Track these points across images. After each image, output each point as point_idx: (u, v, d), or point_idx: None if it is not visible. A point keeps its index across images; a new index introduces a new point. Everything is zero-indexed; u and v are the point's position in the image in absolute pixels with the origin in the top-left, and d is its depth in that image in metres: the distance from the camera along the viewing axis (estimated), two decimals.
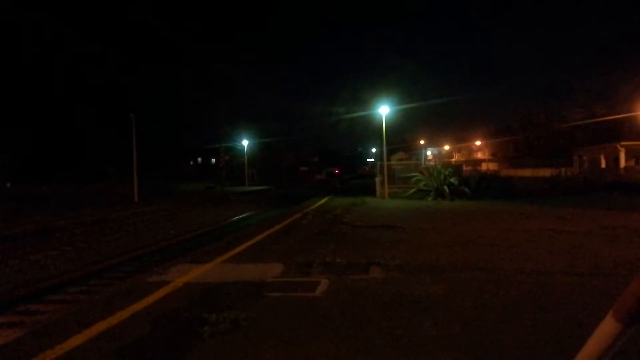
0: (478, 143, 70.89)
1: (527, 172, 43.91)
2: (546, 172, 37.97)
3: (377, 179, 23.56)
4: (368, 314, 4.54)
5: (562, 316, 4.35)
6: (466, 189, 20.81)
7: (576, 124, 47.43)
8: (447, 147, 77.35)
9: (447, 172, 21.75)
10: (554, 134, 50.70)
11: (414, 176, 22.92)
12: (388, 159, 47.79)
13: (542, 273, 6.11)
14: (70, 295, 7.36)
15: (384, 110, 23.52)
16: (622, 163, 37.80)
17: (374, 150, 74.68)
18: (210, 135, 57.30)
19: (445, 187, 20.94)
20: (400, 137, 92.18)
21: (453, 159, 71.68)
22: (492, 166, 61.90)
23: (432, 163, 42.29)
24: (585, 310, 4.48)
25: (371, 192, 24.02)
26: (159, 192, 30.91)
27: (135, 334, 4.04)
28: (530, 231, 10.20)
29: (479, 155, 72.04)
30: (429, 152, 77.99)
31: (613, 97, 45.78)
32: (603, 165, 40.78)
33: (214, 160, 69.16)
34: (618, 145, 37.86)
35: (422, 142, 78.85)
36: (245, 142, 47.19)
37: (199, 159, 76.08)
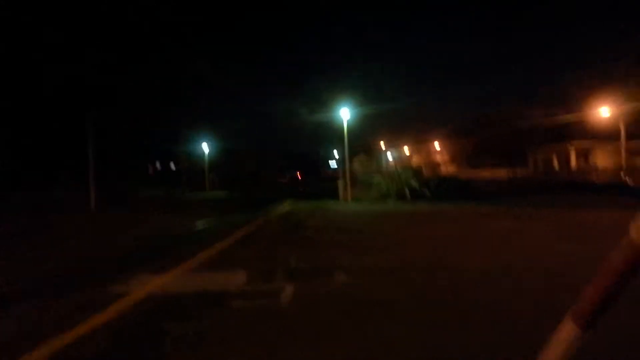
0: (436, 144, 72.37)
1: (485, 173, 45.09)
2: (503, 173, 39.15)
3: (340, 183, 23.68)
4: (333, 318, 4.54)
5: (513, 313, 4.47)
6: (426, 192, 21.19)
7: (530, 124, 49.12)
8: (406, 150, 78.48)
9: (407, 175, 22.10)
10: (509, 135, 52.30)
11: (375, 179, 23.16)
12: (350, 162, 48.06)
13: (506, 274, 6.26)
14: (20, 310, 7.02)
15: (344, 113, 23.69)
16: (573, 163, 39.42)
17: (336, 153, 75.05)
18: (170, 139, 56.08)
19: (406, 190, 21.26)
20: (362, 139, 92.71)
21: (412, 161, 72.82)
22: (451, 168, 63.30)
23: (392, 165, 42.92)
24: (538, 309, 4.62)
25: (334, 195, 24.11)
26: (118, 198, 30.05)
27: (94, 350, 3.89)
28: (491, 231, 10.48)
29: (438, 157, 73.52)
30: (389, 155, 78.89)
31: (566, 99, 47.58)
32: (556, 165, 42.43)
33: (172, 164, 67.82)
34: (569, 145, 39.45)
35: (382, 144, 79.68)
36: (205, 147, 46.54)
37: (158, 164, 74.33)
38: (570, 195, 21.30)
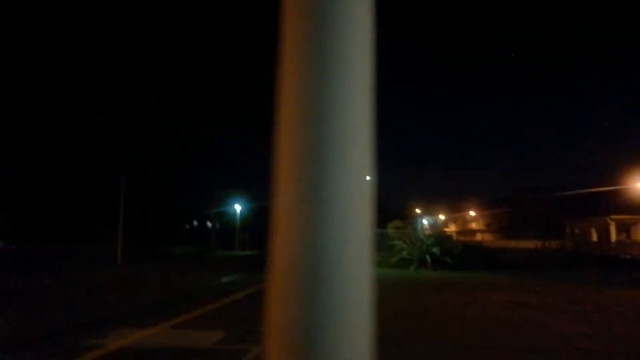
0: (472, 213, 71.14)
1: (522, 244, 43.79)
2: (537, 245, 37.89)
3: None
4: None
5: None
6: (448, 259, 20.75)
7: (567, 195, 47.93)
8: (442, 217, 77.45)
9: (429, 242, 21.78)
10: (547, 206, 51.09)
11: (398, 245, 22.87)
12: (385, 227, 47.73)
13: (481, 347, 6.12)
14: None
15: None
16: (613, 237, 37.81)
17: None
18: (207, 200, 57.70)
19: (428, 257, 20.90)
20: (399, 205, 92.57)
21: (448, 229, 71.61)
22: (487, 237, 61.77)
23: (415, 231, 42.32)
24: None
25: None
26: (146, 254, 30.81)
27: None
28: (494, 303, 10.19)
29: (474, 225, 72.09)
30: (424, 221, 78.00)
31: (604, 171, 46.48)
32: (594, 238, 40.78)
33: (209, 223, 69.05)
34: (608, 219, 38.02)
35: (417, 210, 79.08)
36: (237, 207, 47.49)
37: (195, 223, 75.92)
38: (597, 270, 20.39)
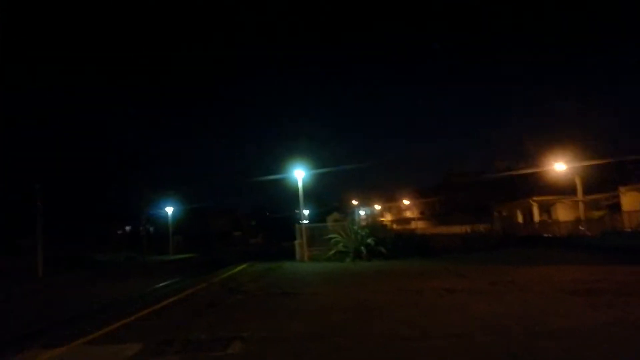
0: (406, 202, 73.02)
1: (454, 229, 45.35)
2: (468, 229, 39.37)
3: (297, 242, 23.36)
4: None
5: None
6: (382, 249, 21.03)
7: (494, 177, 50.26)
8: (378, 207, 78.97)
9: (364, 233, 21.97)
10: (474, 191, 53.26)
11: (333, 238, 22.89)
12: (324, 220, 47.83)
13: (397, 337, 6.09)
14: None
15: (299, 174, 23.81)
16: (536, 217, 39.95)
17: (306, 212, 75.09)
18: (133, 203, 55.55)
19: (363, 248, 21.07)
20: (335, 197, 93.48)
21: (383, 218, 73.14)
22: (421, 224, 63.64)
23: (363, 223, 42.82)
24: None
25: (293, 255, 23.69)
26: (71, 264, 29.14)
27: None
28: (421, 291, 10.33)
29: (408, 214, 74.05)
30: (362, 212, 79.24)
31: (527, 155, 49.00)
32: (520, 220, 42.91)
33: (141, 228, 66.67)
34: (530, 201, 40.11)
35: (354, 202, 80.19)
36: (169, 209, 46.00)
37: (128, 228, 73.00)
38: (522, 250, 21.43)
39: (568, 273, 12.13)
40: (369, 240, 21.48)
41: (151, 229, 64.28)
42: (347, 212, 78.51)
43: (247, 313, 8.59)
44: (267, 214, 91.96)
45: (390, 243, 22.00)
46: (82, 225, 49.17)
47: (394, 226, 60.94)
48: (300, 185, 23.95)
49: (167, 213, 46.93)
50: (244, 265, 21.25)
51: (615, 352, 5.07)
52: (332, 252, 22.14)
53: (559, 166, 35.35)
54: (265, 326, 7.14)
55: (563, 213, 39.28)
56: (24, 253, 30.71)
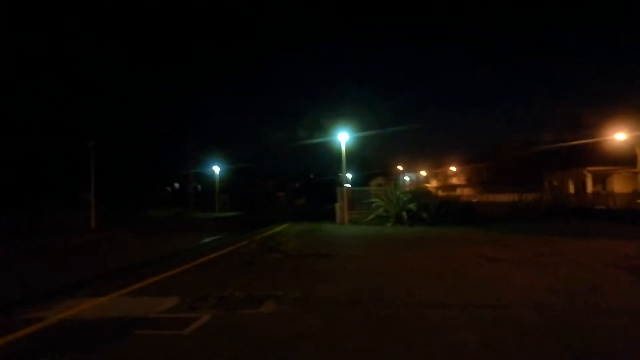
0: (453, 169, 71.48)
1: (502, 197, 44.12)
2: (517, 198, 38.20)
3: (337, 205, 23.35)
4: (230, 353, 4.32)
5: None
6: (424, 215, 20.71)
7: (546, 148, 48.18)
8: (423, 173, 77.78)
9: (405, 198, 21.65)
10: (525, 160, 51.41)
11: (374, 202, 22.70)
12: (367, 184, 47.65)
13: (433, 306, 5.94)
14: None
15: (343, 137, 23.54)
16: (589, 188, 38.25)
17: (349, 176, 74.87)
18: (187, 162, 56.99)
19: (404, 213, 20.81)
20: (381, 162, 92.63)
21: (429, 185, 72.02)
22: (467, 191, 62.30)
23: (407, 189, 42.31)
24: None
25: (334, 217, 23.72)
26: (122, 219, 30.40)
27: None
28: (462, 259, 10.09)
29: (455, 180, 72.59)
30: (406, 178, 78.37)
31: (581, 124, 46.70)
32: (571, 190, 41.22)
33: (197, 186, 68.49)
34: (584, 171, 38.38)
35: (400, 167, 79.28)
36: (216, 168, 46.87)
37: (177, 185, 75.19)
38: (573, 222, 20.58)
39: (620, 248, 11.51)
40: (411, 206, 21.17)
41: (199, 187, 66.06)
42: (392, 177, 77.86)
43: (282, 273, 8.63)
44: (312, 176, 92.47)
45: (433, 209, 21.58)
46: (137, 183, 51.07)
47: (440, 193, 59.90)
48: (343, 148, 23.72)
49: (214, 172, 47.89)
50: (285, 225, 21.51)
51: None
52: (372, 216, 22.00)
53: (619, 136, 33.50)
54: (299, 287, 7.14)
55: (619, 185, 37.41)
56: (84, 207, 31.94)
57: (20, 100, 42.46)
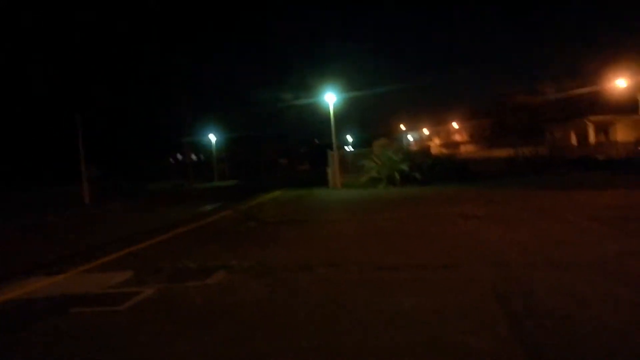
0: (455, 125, 70.60)
1: (500, 153, 43.54)
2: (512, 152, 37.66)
3: (329, 169, 23.08)
4: (157, 327, 4.21)
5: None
6: (417, 175, 20.43)
7: (547, 99, 47.25)
8: (426, 131, 76.98)
9: (397, 159, 21.33)
10: (526, 112, 50.53)
11: (367, 164, 22.39)
12: (370, 146, 47.19)
13: (388, 268, 5.78)
14: None
15: (330, 98, 23.09)
16: (592, 138, 37.61)
17: (350, 138, 74.26)
18: (177, 131, 56.78)
19: (396, 174, 20.56)
20: (384, 122, 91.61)
21: (432, 143, 71.34)
22: (470, 148, 61.68)
23: (412, 148, 41.85)
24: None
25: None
26: (118, 192, 30.39)
27: None
28: (439, 218, 9.92)
29: (457, 137, 71.81)
30: (410, 137, 77.72)
31: (582, 73, 45.58)
32: (574, 141, 40.57)
33: (193, 156, 68.39)
34: (586, 121, 37.65)
35: (403, 127, 78.50)
36: (212, 137, 46.46)
37: (179, 156, 75.03)
38: (571, 174, 20.19)
39: (610, 199, 11.22)
40: (403, 166, 20.86)
41: (201, 156, 65.96)
42: (396, 137, 77.17)
43: (250, 241, 8.51)
44: (316, 141, 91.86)
45: (426, 169, 21.28)
46: (140, 156, 51.10)
47: (443, 150, 59.41)
48: (331, 109, 23.28)
49: (210, 140, 47.50)
50: (277, 192, 21.34)
51: (609, 287, 4.51)
52: (365, 178, 21.75)
53: (620, 82, 32.64)
54: (260, 255, 7.02)
55: (622, 133, 36.70)
56: (89, 182, 31.91)
57: (18, 74, 42.06)
